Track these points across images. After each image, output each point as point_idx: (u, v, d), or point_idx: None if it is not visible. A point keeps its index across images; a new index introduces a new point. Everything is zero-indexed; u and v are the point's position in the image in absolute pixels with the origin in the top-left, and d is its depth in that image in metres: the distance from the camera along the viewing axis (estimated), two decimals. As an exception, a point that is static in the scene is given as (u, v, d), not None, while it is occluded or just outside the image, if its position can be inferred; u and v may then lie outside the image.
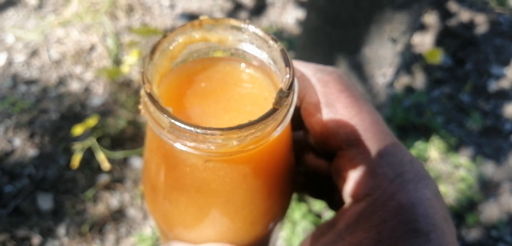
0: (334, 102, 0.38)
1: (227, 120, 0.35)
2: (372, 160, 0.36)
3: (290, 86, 0.33)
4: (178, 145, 0.31)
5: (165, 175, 0.36)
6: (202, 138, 0.30)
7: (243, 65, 0.39)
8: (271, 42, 0.36)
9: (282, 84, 0.33)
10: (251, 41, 0.37)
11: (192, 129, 0.30)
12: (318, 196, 0.49)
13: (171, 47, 0.36)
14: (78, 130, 1.58)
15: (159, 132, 0.32)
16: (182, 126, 0.30)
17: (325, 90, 0.39)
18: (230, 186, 0.35)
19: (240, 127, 0.30)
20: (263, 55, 0.37)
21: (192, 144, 0.31)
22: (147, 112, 0.33)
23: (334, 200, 0.45)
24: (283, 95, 0.32)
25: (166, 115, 0.30)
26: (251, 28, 0.36)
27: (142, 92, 0.33)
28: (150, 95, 0.31)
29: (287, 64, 0.34)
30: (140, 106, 0.34)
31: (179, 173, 0.35)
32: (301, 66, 0.41)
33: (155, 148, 0.37)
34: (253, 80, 0.38)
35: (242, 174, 0.35)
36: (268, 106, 0.32)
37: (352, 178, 0.37)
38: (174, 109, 0.32)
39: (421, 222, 0.33)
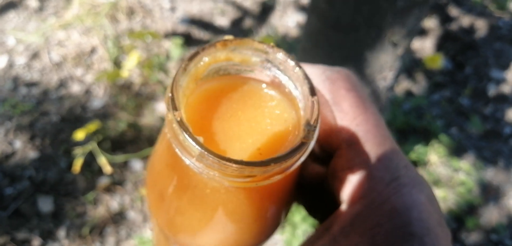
0: (340, 100, 0.39)
1: (251, 144, 0.35)
2: (370, 163, 0.36)
3: (318, 119, 0.32)
4: (203, 172, 0.31)
5: (180, 190, 0.36)
6: (231, 170, 0.30)
7: (263, 85, 0.39)
8: (297, 68, 0.36)
9: (309, 117, 0.32)
10: (274, 63, 0.37)
11: (225, 162, 0.29)
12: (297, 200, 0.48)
13: (196, 69, 0.36)
14: (79, 135, 1.58)
15: (187, 160, 0.31)
16: (215, 159, 0.29)
17: (333, 88, 0.39)
18: (247, 206, 0.36)
19: (268, 162, 0.30)
20: (284, 78, 0.37)
21: (219, 174, 0.30)
22: (174, 138, 0.32)
23: (313, 205, 0.45)
24: (311, 129, 0.32)
25: (197, 146, 0.30)
26: (276, 51, 0.36)
27: (169, 116, 0.32)
28: (181, 123, 0.31)
29: (313, 93, 0.33)
30: (166, 130, 0.33)
31: (197, 193, 0.35)
32: (309, 67, 0.41)
33: (172, 163, 0.36)
34: (273, 101, 0.38)
35: (259, 197, 0.36)
36: (288, 127, 0.32)
37: (349, 179, 0.37)
38: (196, 131, 0.32)
39: (415, 226, 0.33)
